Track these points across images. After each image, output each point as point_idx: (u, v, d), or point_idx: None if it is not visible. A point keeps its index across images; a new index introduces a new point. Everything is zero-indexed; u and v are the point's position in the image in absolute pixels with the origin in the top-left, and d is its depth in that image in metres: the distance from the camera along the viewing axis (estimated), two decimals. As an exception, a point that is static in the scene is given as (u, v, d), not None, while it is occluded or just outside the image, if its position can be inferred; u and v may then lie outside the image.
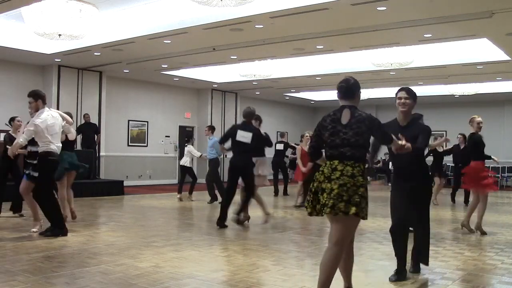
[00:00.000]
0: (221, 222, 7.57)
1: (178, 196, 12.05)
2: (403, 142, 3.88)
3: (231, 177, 7.71)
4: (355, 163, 3.52)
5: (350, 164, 3.50)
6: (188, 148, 12.21)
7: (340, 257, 3.52)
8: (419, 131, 4.44)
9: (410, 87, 4.70)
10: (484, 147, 7.23)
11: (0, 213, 8.40)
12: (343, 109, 3.66)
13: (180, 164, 12.58)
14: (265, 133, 8.00)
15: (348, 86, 3.70)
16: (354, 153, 3.53)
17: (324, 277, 3.42)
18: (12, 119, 8.57)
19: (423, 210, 4.62)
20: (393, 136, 3.84)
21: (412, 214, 4.56)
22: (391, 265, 5.30)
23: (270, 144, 8.19)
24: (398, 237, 4.55)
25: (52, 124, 6.54)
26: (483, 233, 7.23)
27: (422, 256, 4.72)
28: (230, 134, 7.80)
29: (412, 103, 4.57)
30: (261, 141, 7.86)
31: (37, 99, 6.54)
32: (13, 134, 8.39)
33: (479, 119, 7.19)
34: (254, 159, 7.89)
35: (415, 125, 4.55)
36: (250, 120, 7.87)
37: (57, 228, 6.53)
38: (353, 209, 3.40)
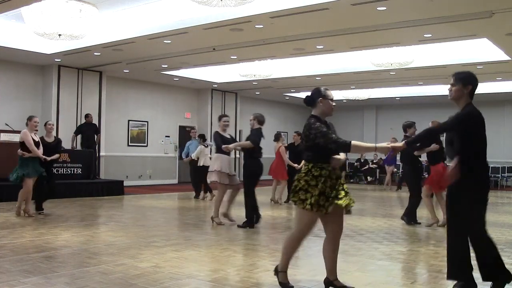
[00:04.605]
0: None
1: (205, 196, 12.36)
2: (386, 144, 4.03)
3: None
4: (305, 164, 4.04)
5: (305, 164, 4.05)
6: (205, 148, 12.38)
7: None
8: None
9: (459, 71, 4.08)
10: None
11: (44, 210, 8.76)
12: None
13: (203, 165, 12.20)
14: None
15: (308, 96, 4.14)
16: (305, 155, 4.07)
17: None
18: (44, 124, 9.07)
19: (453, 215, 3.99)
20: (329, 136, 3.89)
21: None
22: (391, 265, 5.31)
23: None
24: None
25: None
26: None
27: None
28: None
29: (460, 88, 3.98)
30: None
31: None
32: (45, 138, 8.83)
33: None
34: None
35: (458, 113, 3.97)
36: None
37: None
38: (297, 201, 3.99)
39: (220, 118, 8.37)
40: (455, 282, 3.92)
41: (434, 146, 7.73)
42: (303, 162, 4.08)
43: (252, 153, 7.76)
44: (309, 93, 4.18)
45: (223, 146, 7.74)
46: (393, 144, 3.99)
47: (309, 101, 4.13)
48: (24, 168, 8.24)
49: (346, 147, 3.85)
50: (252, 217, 7.74)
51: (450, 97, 4.03)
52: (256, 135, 7.73)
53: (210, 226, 7.97)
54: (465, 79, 3.98)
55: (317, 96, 4.07)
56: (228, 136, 8.16)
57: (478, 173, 3.91)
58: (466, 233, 3.90)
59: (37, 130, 8.53)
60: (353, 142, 3.86)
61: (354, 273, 4.80)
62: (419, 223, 8.18)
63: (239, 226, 7.71)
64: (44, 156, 8.44)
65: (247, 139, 7.83)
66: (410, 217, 8.20)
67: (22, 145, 8.23)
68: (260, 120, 7.89)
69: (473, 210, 3.86)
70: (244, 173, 7.84)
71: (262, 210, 8.16)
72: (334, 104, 4.12)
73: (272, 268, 4.93)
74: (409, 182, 8.50)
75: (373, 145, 3.96)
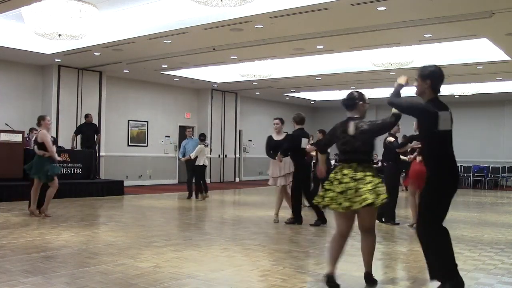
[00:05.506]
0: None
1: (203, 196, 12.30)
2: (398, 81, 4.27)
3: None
4: (366, 165, 4.16)
5: (366, 166, 4.14)
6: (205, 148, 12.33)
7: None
8: None
9: (424, 66, 4.18)
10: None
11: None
12: (348, 121, 4.36)
13: (203, 164, 12.27)
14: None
15: (349, 100, 4.43)
16: (362, 158, 4.18)
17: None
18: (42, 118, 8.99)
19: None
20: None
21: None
22: (391, 265, 5.30)
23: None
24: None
25: None
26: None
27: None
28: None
29: (420, 83, 4.01)
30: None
31: None
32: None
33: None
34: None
35: None
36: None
37: None
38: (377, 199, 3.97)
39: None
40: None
41: (415, 143, 7.53)
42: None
43: (296, 157, 7.95)
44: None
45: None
46: (401, 79, 4.25)
47: (351, 104, 4.43)
48: (52, 167, 8.18)
49: (398, 118, 4.21)
50: (322, 216, 7.93)
51: (415, 92, 4.06)
52: (290, 141, 7.99)
53: (210, 226, 7.96)
54: (423, 74, 4.02)
55: (359, 99, 4.42)
56: (281, 137, 8.31)
57: (441, 173, 3.80)
58: (441, 233, 3.95)
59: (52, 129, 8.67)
60: (393, 111, 4.18)
61: (354, 273, 4.79)
62: (398, 224, 8.14)
63: (311, 224, 7.92)
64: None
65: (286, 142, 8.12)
66: (388, 216, 8.17)
67: (41, 145, 8.19)
68: (296, 120, 8.13)
69: (429, 205, 3.85)
70: (295, 176, 8.02)
71: (270, 209, 8.19)
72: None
73: (272, 268, 4.93)
74: (389, 180, 8.17)
75: (396, 88, 4.22)
